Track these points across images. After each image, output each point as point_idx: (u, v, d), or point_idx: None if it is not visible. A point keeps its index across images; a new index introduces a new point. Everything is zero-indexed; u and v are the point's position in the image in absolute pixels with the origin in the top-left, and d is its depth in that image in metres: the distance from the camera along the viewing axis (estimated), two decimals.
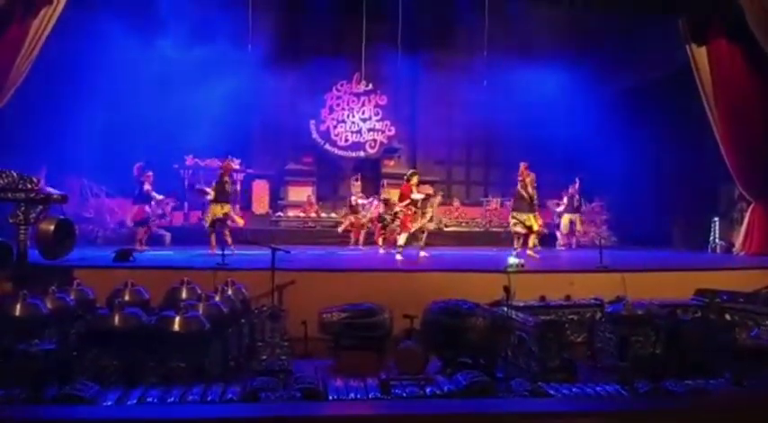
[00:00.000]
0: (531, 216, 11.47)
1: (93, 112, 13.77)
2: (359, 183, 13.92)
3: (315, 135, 16.45)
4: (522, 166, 11.82)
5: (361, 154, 16.70)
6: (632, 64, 15.11)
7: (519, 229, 11.52)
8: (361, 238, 13.45)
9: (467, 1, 13.70)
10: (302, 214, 15.94)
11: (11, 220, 7.87)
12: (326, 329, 6.46)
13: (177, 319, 5.41)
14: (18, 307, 5.49)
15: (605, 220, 15.58)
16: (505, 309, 6.14)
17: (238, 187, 15.69)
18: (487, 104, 15.64)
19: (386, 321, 6.47)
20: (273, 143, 16.84)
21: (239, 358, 6.11)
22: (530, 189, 11.52)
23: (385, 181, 16.10)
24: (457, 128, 18.28)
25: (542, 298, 7.51)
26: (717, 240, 13.46)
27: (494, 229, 15.60)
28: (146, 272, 7.93)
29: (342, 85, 16.61)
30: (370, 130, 16.70)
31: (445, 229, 15.51)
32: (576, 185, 13.82)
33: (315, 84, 16.26)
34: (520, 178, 11.68)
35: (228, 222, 10.97)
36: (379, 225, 12.52)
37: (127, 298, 6.20)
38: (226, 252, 8.94)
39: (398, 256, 10.63)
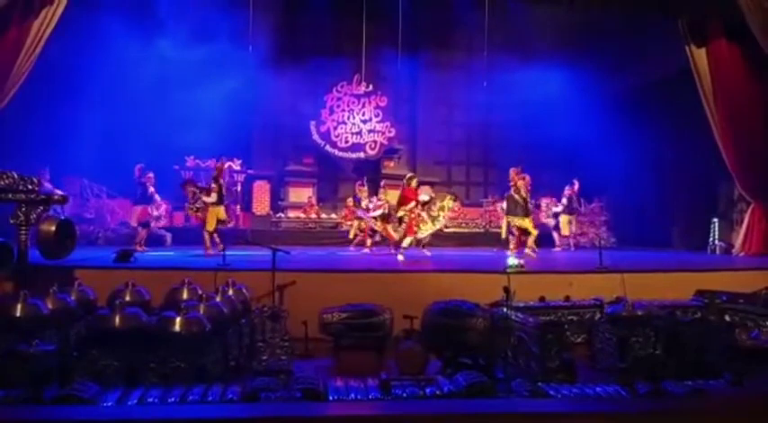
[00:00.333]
0: (526, 220, 11.52)
1: (94, 112, 13.83)
2: (365, 188, 13.77)
3: (315, 136, 16.46)
4: (513, 171, 11.86)
5: (362, 155, 16.71)
6: (632, 64, 15.12)
7: (513, 231, 11.61)
8: (369, 240, 13.32)
9: (467, 2, 13.72)
10: (303, 215, 15.97)
11: (12, 221, 7.87)
12: (327, 330, 6.47)
13: (178, 319, 5.42)
14: (19, 307, 5.50)
15: (605, 221, 15.58)
16: (505, 309, 6.15)
17: (239, 188, 15.71)
18: (487, 105, 15.68)
19: (386, 322, 6.47)
20: (274, 144, 16.87)
21: (240, 358, 6.12)
22: (523, 193, 11.55)
23: (383, 182, 16.05)
24: (457, 128, 18.31)
25: (542, 299, 7.51)
26: (716, 241, 13.45)
27: (494, 230, 15.58)
28: (146, 272, 7.94)
29: (342, 87, 16.62)
30: (370, 131, 16.70)
31: (445, 230, 15.49)
32: (575, 187, 13.82)
33: (315, 85, 16.29)
34: (511, 183, 11.73)
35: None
36: (375, 227, 12.57)
37: (127, 298, 6.21)
38: (222, 252, 8.97)
39: (400, 257, 10.64)
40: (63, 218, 8.63)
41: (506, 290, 5.87)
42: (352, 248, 13.15)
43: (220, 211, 10.81)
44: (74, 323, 5.97)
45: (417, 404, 3.68)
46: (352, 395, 4.05)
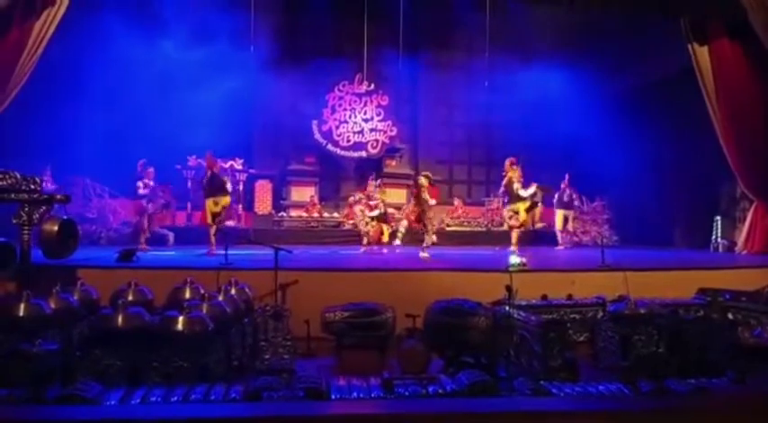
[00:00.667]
0: (521, 207, 11.57)
1: (96, 112, 13.83)
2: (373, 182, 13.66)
3: (317, 135, 16.46)
4: (507, 162, 11.88)
5: (363, 154, 16.71)
6: (633, 64, 15.11)
7: (514, 221, 11.62)
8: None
9: (467, 2, 13.72)
10: (305, 214, 15.97)
11: (14, 221, 7.88)
12: (329, 329, 6.47)
13: (180, 318, 5.42)
14: (21, 307, 5.51)
15: (607, 220, 15.57)
16: (508, 308, 6.14)
17: (241, 187, 15.72)
18: (489, 104, 15.67)
19: (388, 321, 6.47)
20: (276, 143, 16.88)
21: (242, 358, 6.12)
22: (515, 184, 11.56)
23: (380, 181, 15.96)
24: (458, 127, 18.32)
25: (544, 297, 7.50)
26: (719, 239, 13.45)
27: (495, 229, 15.60)
28: (149, 272, 7.94)
29: (344, 86, 16.62)
30: (372, 130, 16.70)
31: (447, 229, 15.52)
32: (566, 181, 13.87)
33: (317, 84, 16.27)
34: (504, 173, 11.78)
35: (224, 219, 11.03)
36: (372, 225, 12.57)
37: (130, 298, 6.21)
38: (225, 251, 8.97)
39: (426, 255, 10.71)
40: (65, 218, 8.64)
41: (509, 288, 5.87)
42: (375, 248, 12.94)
43: (209, 204, 10.86)
44: (76, 323, 5.97)
45: (420, 403, 3.68)
46: (355, 394, 4.05)
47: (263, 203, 16.24)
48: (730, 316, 6.96)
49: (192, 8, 13.50)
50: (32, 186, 7.94)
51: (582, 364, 5.93)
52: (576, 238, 14.34)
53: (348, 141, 16.62)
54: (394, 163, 17.24)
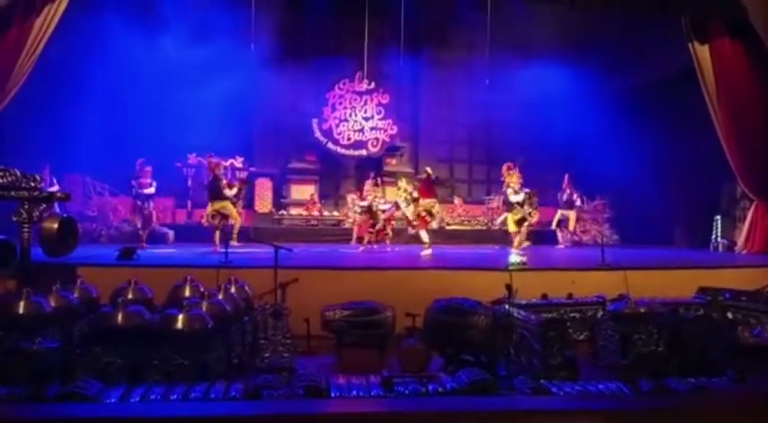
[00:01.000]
0: (511, 217, 11.59)
1: (96, 110, 13.83)
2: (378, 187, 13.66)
3: (317, 134, 16.45)
4: (504, 167, 11.88)
5: (364, 152, 16.70)
6: (634, 62, 15.09)
7: (506, 228, 11.67)
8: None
9: (468, 1, 13.71)
10: (305, 212, 15.97)
11: (14, 219, 7.88)
12: (329, 327, 6.47)
13: (180, 316, 5.43)
14: (21, 305, 5.51)
15: (607, 219, 15.57)
16: (508, 307, 6.14)
17: (235, 191, 15.68)
18: (489, 103, 15.68)
19: (388, 319, 6.48)
20: (276, 141, 16.88)
21: (242, 356, 6.12)
22: (508, 189, 11.57)
23: (376, 179, 15.95)
24: (459, 126, 18.32)
25: (544, 296, 7.51)
26: (719, 238, 13.44)
27: (495, 228, 15.59)
28: (149, 270, 7.95)
29: (344, 84, 16.61)
30: (372, 128, 16.69)
31: (447, 228, 15.51)
32: (566, 181, 13.88)
33: (317, 82, 16.27)
34: (503, 179, 11.80)
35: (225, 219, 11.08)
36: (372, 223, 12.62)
37: (130, 296, 6.22)
38: (227, 250, 8.96)
39: (429, 252, 10.86)
40: (66, 216, 8.65)
41: (509, 287, 5.87)
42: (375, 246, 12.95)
43: (208, 207, 11.11)
44: (77, 321, 5.97)
45: (419, 401, 3.68)
46: (355, 392, 4.05)
47: (264, 202, 16.24)
48: (730, 315, 6.96)
49: (192, 6, 13.48)
50: (33, 184, 7.94)
51: (582, 362, 5.93)
52: (576, 238, 14.33)
53: (348, 140, 16.61)
54: (394, 161, 17.24)
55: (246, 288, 6.88)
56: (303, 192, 16.62)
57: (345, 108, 16.63)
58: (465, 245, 14.47)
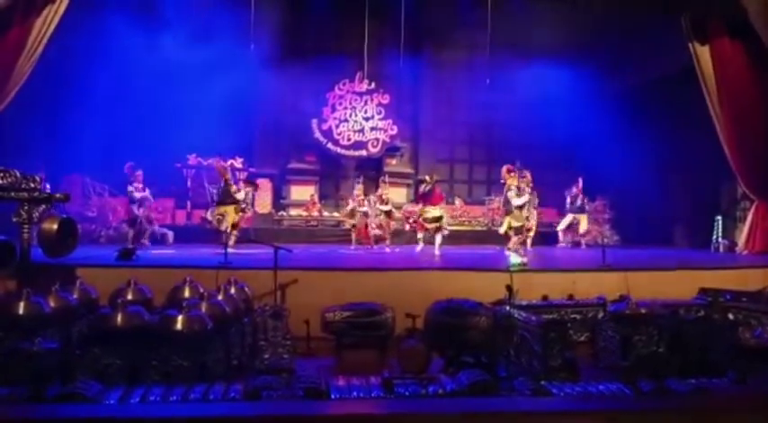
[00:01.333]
0: (508, 221, 11.60)
1: (96, 110, 13.82)
2: (361, 185, 13.76)
3: (317, 134, 16.45)
4: (504, 169, 11.89)
5: (364, 153, 16.69)
6: (635, 62, 15.09)
7: (511, 232, 11.67)
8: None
9: (469, 0, 13.71)
10: (305, 213, 15.96)
11: (14, 219, 7.88)
12: (329, 328, 6.46)
13: (180, 317, 5.42)
14: (21, 305, 5.51)
15: (608, 219, 15.55)
16: (508, 308, 6.14)
17: (231, 190, 15.68)
18: (490, 103, 15.68)
19: (388, 320, 6.46)
20: (276, 142, 16.87)
21: (242, 357, 6.11)
22: (513, 190, 11.58)
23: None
24: (459, 126, 18.30)
25: (545, 297, 7.50)
26: (720, 239, 13.42)
27: (496, 228, 15.57)
28: (148, 271, 7.94)
29: (344, 84, 16.60)
30: (372, 129, 16.69)
31: (447, 228, 15.48)
32: (579, 185, 13.83)
33: (317, 83, 16.25)
34: (502, 181, 11.81)
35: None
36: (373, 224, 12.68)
37: (129, 297, 6.21)
38: (226, 251, 8.96)
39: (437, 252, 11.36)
40: (65, 216, 8.64)
41: (509, 288, 5.87)
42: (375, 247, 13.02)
43: (222, 211, 11.13)
44: (76, 321, 5.97)
45: (420, 403, 3.67)
46: (355, 394, 4.04)
47: (263, 202, 16.22)
48: (731, 316, 6.94)
49: (192, 7, 13.47)
50: (32, 185, 7.94)
51: (582, 364, 5.93)
52: (576, 239, 14.32)
53: (348, 140, 16.60)
54: (394, 162, 17.23)
55: (246, 289, 6.88)
56: (303, 192, 16.62)
57: (345, 108, 16.63)
58: (465, 245, 14.46)
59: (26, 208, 7.88)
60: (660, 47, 13.80)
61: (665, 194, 15.01)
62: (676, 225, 15.38)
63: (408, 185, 17.23)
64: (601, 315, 7.02)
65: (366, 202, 12.96)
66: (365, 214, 12.83)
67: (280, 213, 16.02)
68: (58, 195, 8.41)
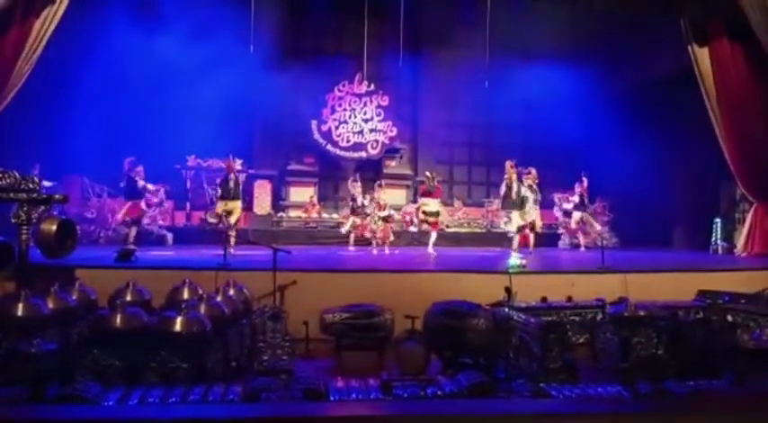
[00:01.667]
0: (518, 213, 11.62)
1: (95, 111, 13.81)
2: (359, 184, 13.81)
3: (316, 135, 16.46)
4: (508, 164, 11.91)
5: (363, 155, 16.70)
6: (634, 64, 15.11)
7: (510, 227, 11.69)
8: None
9: (468, 1, 13.72)
10: (304, 214, 15.97)
11: (13, 220, 7.88)
12: (328, 330, 6.46)
13: (179, 319, 5.41)
14: (20, 307, 5.49)
15: (607, 221, 15.57)
16: (507, 310, 6.13)
17: (235, 185, 15.70)
18: (490, 104, 15.68)
19: (387, 322, 6.46)
20: (275, 143, 16.88)
21: (240, 358, 6.10)
22: (515, 187, 11.60)
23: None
24: (459, 128, 18.32)
25: (544, 299, 7.49)
26: (719, 241, 13.44)
27: (495, 230, 15.60)
28: (147, 272, 7.93)
29: (344, 86, 16.62)
30: (371, 130, 16.70)
31: (447, 230, 15.50)
32: (585, 184, 13.82)
33: (316, 84, 16.25)
34: (506, 176, 11.79)
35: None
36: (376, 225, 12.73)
37: (128, 298, 6.20)
38: (227, 253, 8.98)
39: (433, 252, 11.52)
40: (64, 217, 8.64)
41: (508, 290, 5.86)
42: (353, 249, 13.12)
43: (226, 205, 11.20)
44: (75, 323, 5.96)
45: (418, 404, 3.67)
46: (354, 395, 4.04)
47: (262, 204, 16.23)
48: (730, 318, 6.94)
49: (192, 6, 13.46)
50: (31, 186, 7.94)
51: (581, 366, 5.92)
52: (575, 240, 14.33)
53: (348, 142, 16.61)
54: (394, 164, 17.24)
55: (245, 290, 6.86)
56: (302, 194, 16.63)
57: (345, 110, 16.64)
58: (464, 247, 14.47)
59: (25, 209, 7.88)
60: (659, 48, 13.83)
61: (664, 196, 15.03)
62: (675, 227, 15.39)
63: (408, 187, 17.24)
64: (600, 317, 7.02)
65: (366, 201, 13.03)
66: (365, 213, 12.88)
67: (279, 215, 16.03)
68: (56, 196, 8.41)
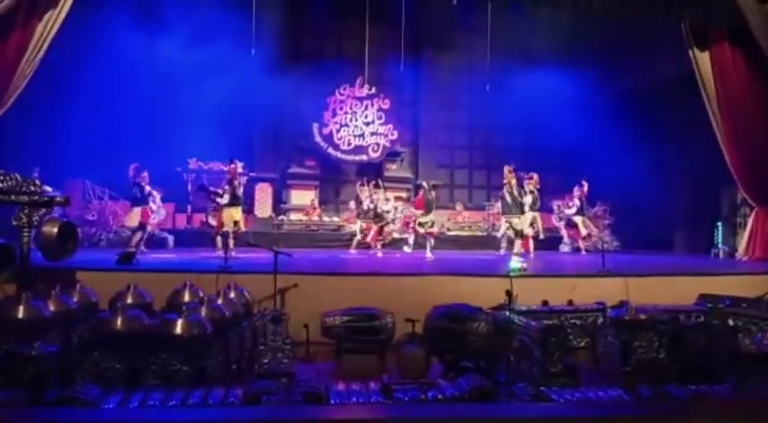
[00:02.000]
0: (519, 218, 11.63)
1: (97, 114, 13.83)
2: (366, 188, 13.79)
3: (317, 138, 16.47)
4: (507, 169, 11.93)
5: (364, 158, 16.71)
6: (635, 68, 15.13)
7: (510, 232, 11.69)
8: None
9: (469, 5, 13.74)
10: (305, 218, 15.97)
11: (14, 223, 7.87)
12: (329, 333, 6.45)
13: (179, 321, 5.41)
14: (21, 309, 5.49)
15: (608, 225, 15.56)
16: (508, 313, 6.13)
17: (241, 190, 15.72)
18: (490, 108, 15.70)
19: (388, 325, 6.46)
20: (276, 146, 16.90)
21: (241, 361, 6.10)
22: (515, 191, 11.63)
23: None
24: (459, 131, 18.34)
25: (545, 302, 7.49)
26: (720, 245, 13.43)
27: (496, 234, 15.57)
28: (148, 274, 7.92)
29: (345, 89, 16.63)
30: (372, 133, 16.71)
31: (447, 233, 15.51)
32: (585, 188, 13.82)
33: (318, 87, 16.28)
34: (505, 181, 11.82)
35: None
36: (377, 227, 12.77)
37: (129, 300, 6.20)
38: (228, 255, 8.97)
39: (431, 256, 11.62)
40: (65, 220, 8.64)
41: (509, 293, 5.85)
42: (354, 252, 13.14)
43: (233, 212, 11.08)
44: (75, 325, 5.95)
45: (419, 408, 3.66)
46: (354, 399, 4.04)
47: (263, 206, 16.22)
48: (731, 322, 6.94)
49: (193, 10, 13.49)
50: (33, 188, 7.94)
51: (582, 369, 5.91)
52: (576, 244, 14.32)
53: (349, 145, 16.63)
54: (395, 167, 17.25)
55: (246, 293, 6.87)
56: (303, 197, 16.63)
57: (346, 113, 16.66)
58: (465, 250, 14.47)
59: (26, 211, 7.87)
60: (660, 53, 13.84)
61: (665, 200, 15.03)
62: (676, 231, 15.38)
63: (408, 190, 17.24)
64: (601, 321, 7.02)
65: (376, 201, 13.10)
66: (376, 215, 12.95)
67: (280, 218, 16.02)
68: (58, 199, 8.41)
